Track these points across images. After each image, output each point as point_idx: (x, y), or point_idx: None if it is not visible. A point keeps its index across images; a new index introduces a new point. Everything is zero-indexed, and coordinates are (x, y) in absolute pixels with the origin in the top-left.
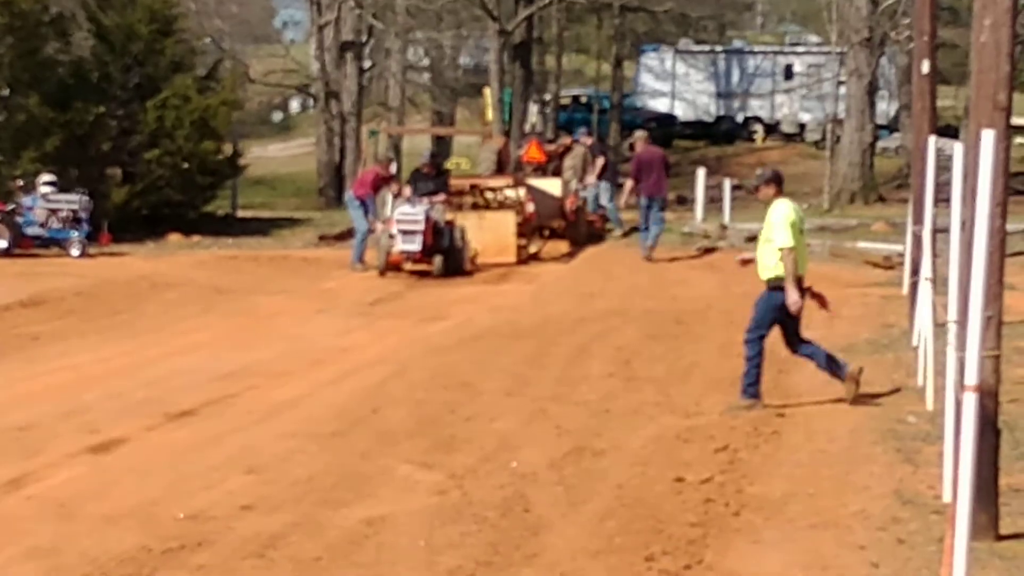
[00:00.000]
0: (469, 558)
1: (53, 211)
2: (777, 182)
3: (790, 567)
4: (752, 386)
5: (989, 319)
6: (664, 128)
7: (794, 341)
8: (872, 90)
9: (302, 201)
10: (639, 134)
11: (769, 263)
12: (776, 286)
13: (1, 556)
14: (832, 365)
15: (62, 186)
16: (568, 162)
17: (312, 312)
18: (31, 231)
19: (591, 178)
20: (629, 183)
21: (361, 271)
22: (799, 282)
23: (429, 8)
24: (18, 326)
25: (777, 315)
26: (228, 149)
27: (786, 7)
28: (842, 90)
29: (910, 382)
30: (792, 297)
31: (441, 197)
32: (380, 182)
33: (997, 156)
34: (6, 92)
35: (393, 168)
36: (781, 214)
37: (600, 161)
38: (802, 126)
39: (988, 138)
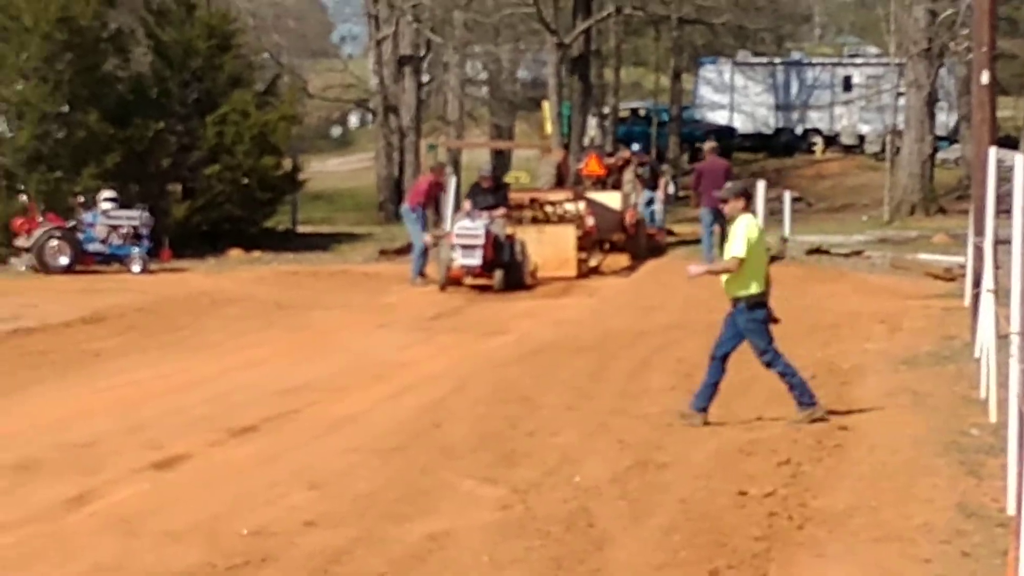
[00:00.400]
0: (533, 573)
1: (114, 227)
2: (746, 197)
3: None
4: (804, 395)
5: None
6: (723, 140)
7: (725, 349)
8: (931, 101)
9: (362, 216)
10: (709, 144)
11: (733, 279)
12: (756, 303)
13: (66, 573)
14: (707, 395)
15: (122, 202)
16: (628, 176)
17: (372, 327)
18: (92, 248)
19: (660, 194)
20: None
21: (421, 285)
22: (764, 298)
23: (487, 22)
24: (80, 343)
25: (766, 327)
26: (288, 164)
27: (844, 19)
28: (901, 101)
29: (973, 394)
30: (697, 268)
31: (501, 211)
32: (435, 189)
33: None
34: (66, 109)
35: (449, 174)
36: (743, 228)
37: (663, 181)
38: (861, 138)
39: None
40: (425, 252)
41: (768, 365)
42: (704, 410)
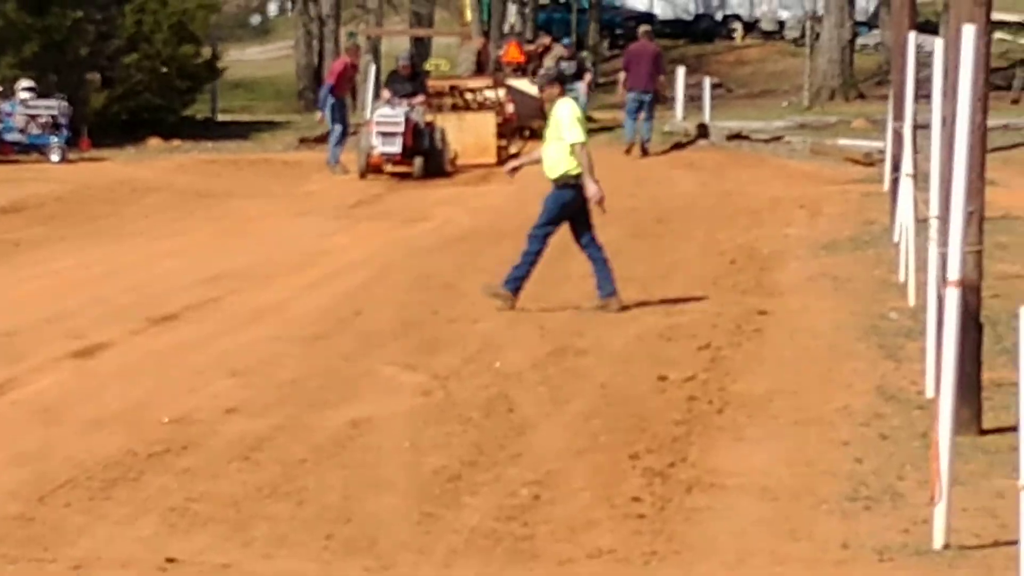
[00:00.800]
0: (454, 458)
1: (32, 117)
2: (561, 81)
3: (774, 464)
4: (517, 280)
5: (971, 214)
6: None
7: (585, 235)
8: None
9: (282, 104)
10: (643, 28)
11: (559, 161)
12: (566, 183)
13: None
14: (604, 277)
15: (41, 92)
16: (548, 62)
17: (293, 215)
18: (10, 137)
19: (582, 86)
20: (621, 75)
21: (341, 173)
22: (576, 180)
23: None
24: None
25: (566, 212)
26: (207, 53)
27: None
28: None
29: (892, 278)
30: (591, 188)
31: (420, 99)
32: (351, 71)
33: (978, 51)
34: None
35: (368, 61)
36: (567, 111)
37: (588, 76)
38: (781, 24)
39: (969, 33)
40: (343, 138)
41: (529, 236)
42: (517, 291)
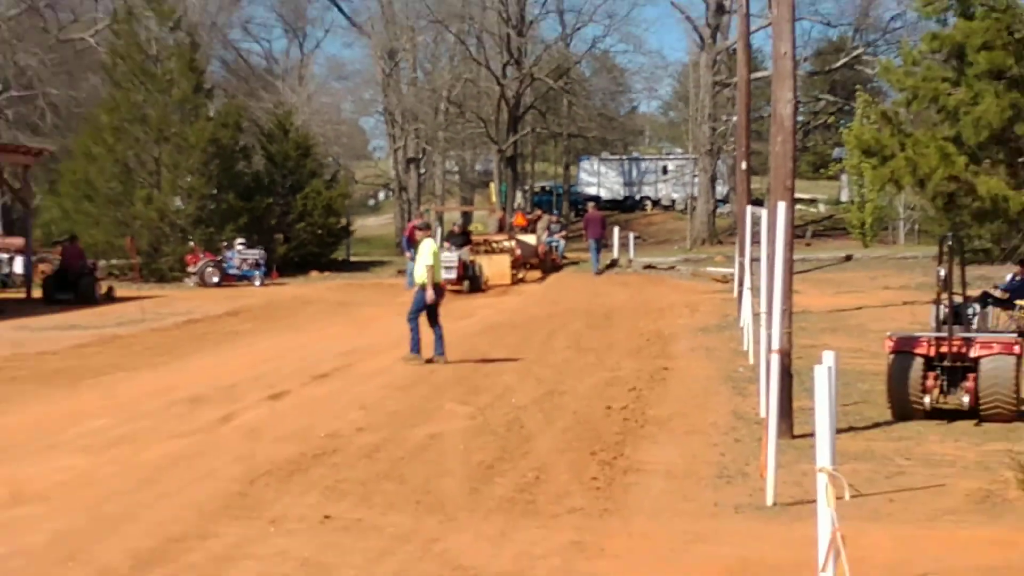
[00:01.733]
0: (489, 456)
1: (244, 259)
2: (428, 228)
3: (674, 456)
4: (415, 345)
5: (784, 311)
6: (594, 203)
7: (433, 320)
8: (713, 179)
9: (386, 251)
10: (591, 204)
11: (418, 275)
12: (422, 287)
13: (219, 461)
14: (439, 343)
15: (249, 245)
16: (540, 225)
17: (393, 315)
18: (231, 271)
19: (558, 236)
20: (583, 231)
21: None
22: (435, 286)
23: (457, 137)
24: (225, 327)
25: (422, 305)
26: (344, 221)
27: (663, 132)
28: (696, 179)
29: (739, 348)
30: (429, 294)
31: (467, 248)
32: (413, 230)
33: (787, 217)
34: (215, 191)
35: (425, 219)
36: (427, 248)
37: (562, 231)
38: (673, 201)
39: (781, 207)
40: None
41: (408, 320)
42: (419, 352)
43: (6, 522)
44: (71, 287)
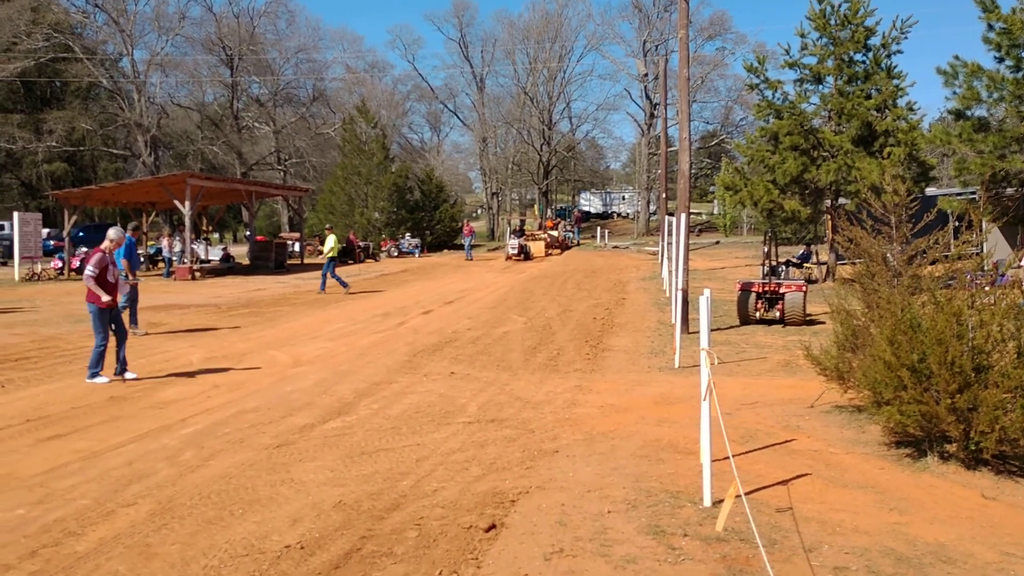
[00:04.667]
0: (533, 342)
1: (410, 243)
2: (333, 228)
3: (627, 342)
4: (344, 284)
5: (684, 269)
6: (588, 215)
7: (327, 270)
8: (648, 202)
9: (482, 239)
10: (576, 213)
11: (328, 250)
12: (332, 259)
13: (397, 344)
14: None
15: (412, 236)
16: (560, 227)
17: (484, 271)
18: (404, 250)
19: (572, 231)
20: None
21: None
22: (337, 256)
23: (517, 181)
24: (400, 278)
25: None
26: (458, 225)
27: (623, 179)
28: (639, 203)
29: (662, 288)
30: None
31: (523, 237)
32: (468, 229)
33: (686, 221)
34: (395, 210)
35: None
36: (331, 240)
37: (574, 230)
38: (628, 214)
39: (683, 216)
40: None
41: (323, 271)
42: (345, 285)
43: (292, 375)
44: (351, 255)
